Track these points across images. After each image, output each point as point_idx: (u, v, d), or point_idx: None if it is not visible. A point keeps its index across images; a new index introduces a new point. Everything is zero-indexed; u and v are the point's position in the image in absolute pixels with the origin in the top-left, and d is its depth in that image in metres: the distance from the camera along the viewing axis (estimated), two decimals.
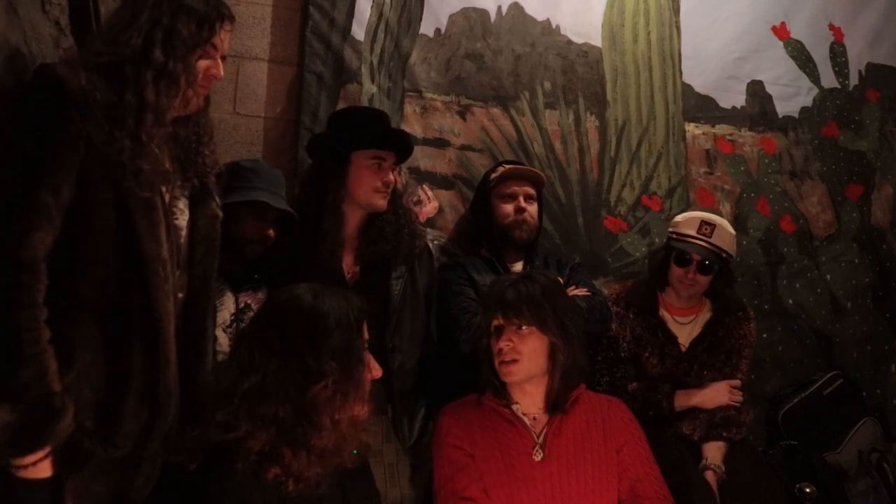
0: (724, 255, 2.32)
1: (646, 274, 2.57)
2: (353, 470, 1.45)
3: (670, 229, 2.43)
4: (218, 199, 1.58)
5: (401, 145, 2.12)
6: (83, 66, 1.31)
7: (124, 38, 1.35)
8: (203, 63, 1.43)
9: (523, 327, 1.73)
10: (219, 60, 1.47)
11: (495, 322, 1.76)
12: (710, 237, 2.29)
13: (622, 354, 2.34)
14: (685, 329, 2.38)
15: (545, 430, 1.77)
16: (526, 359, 1.73)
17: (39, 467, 1.21)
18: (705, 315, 2.41)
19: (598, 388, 2.29)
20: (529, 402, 1.80)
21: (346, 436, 1.36)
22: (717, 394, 2.27)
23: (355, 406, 1.37)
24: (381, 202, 2.05)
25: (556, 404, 1.77)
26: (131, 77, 1.33)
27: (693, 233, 2.30)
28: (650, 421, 2.18)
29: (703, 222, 2.31)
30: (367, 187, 2.03)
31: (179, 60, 1.37)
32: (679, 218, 2.44)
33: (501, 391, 1.81)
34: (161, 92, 1.35)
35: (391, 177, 2.06)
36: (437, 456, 1.76)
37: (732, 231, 2.38)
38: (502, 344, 1.73)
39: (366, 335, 1.43)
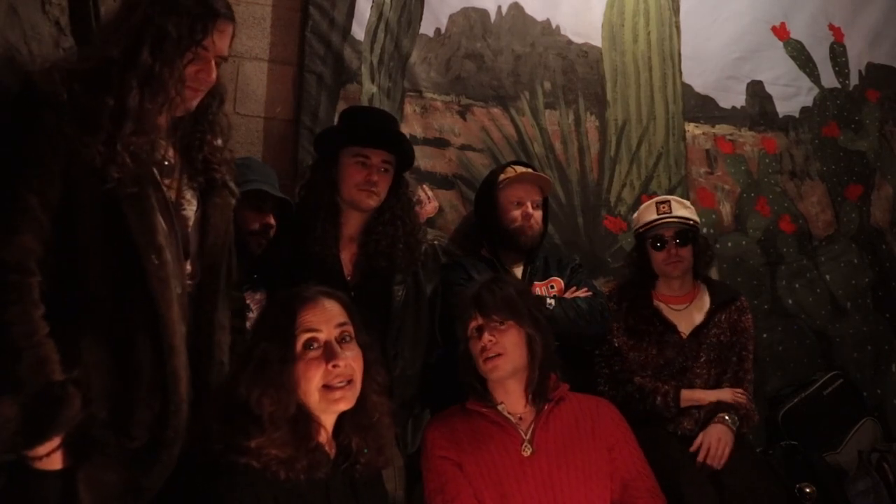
0: (691, 223, 2.39)
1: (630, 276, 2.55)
2: (365, 473, 1.46)
3: (634, 228, 2.49)
4: (232, 187, 1.56)
5: (390, 145, 2.04)
6: (64, 69, 1.29)
7: (115, 38, 1.33)
8: (193, 68, 1.39)
9: (503, 323, 1.78)
10: (212, 63, 1.42)
11: (474, 324, 1.81)
12: (671, 212, 2.37)
13: (616, 345, 2.34)
14: (682, 316, 2.38)
15: (532, 426, 1.79)
16: (510, 351, 1.78)
17: (52, 458, 1.22)
18: (703, 303, 2.40)
19: (599, 381, 2.31)
20: (513, 400, 1.82)
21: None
22: (721, 394, 2.27)
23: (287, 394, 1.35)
24: (367, 200, 2.00)
25: (537, 394, 1.81)
26: (116, 81, 1.30)
27: (654, 216, 2.39)
28: (649, 418, 2.19)
29: (658, 203, 2.42)
30: (350, 184, 2.00)
31: (167, 64, 1.33)
32: (635, 215, 2.52)
33: (484, 393, 1.83)
34: (146, 98, 1.32)
35: (375, 176, 1.99)
36: (425, 469, 1.78)
37: (687, 202, 2.48)
38: (485, 341, 1.77)
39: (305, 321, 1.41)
